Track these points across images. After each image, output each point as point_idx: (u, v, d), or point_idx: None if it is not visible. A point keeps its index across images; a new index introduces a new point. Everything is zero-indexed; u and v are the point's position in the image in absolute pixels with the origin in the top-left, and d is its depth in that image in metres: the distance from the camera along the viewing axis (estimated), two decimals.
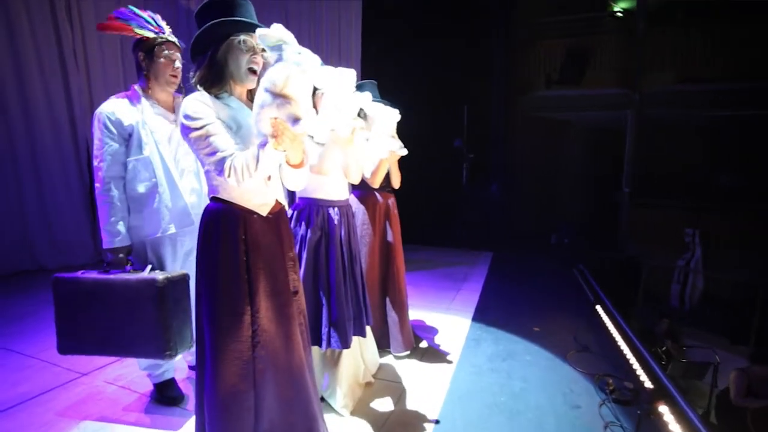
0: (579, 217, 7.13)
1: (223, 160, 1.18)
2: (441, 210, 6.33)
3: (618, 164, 6.78)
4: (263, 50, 1.24)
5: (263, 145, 1.15)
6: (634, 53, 6.34)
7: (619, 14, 6.89)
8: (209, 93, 1.26)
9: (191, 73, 1.30)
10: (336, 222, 1.89)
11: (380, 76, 6.74)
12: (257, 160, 1.15)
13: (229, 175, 1.17)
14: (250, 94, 1.37)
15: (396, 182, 2.50)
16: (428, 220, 6.10)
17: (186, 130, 1.20)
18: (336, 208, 1.92)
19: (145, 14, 1.76)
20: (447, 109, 6.29)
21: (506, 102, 6.16)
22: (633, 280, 5.66)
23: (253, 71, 1.28)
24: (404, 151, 2.13)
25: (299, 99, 1.12)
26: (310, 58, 1.12)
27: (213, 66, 1.25)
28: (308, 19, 6.09)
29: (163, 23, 1.80)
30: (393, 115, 2.01)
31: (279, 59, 1.11)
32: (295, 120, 1.11)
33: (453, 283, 4.26)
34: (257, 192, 1.30)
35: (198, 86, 1.27)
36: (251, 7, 1.31)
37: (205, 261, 1.29)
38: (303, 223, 1.87)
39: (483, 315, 3.35)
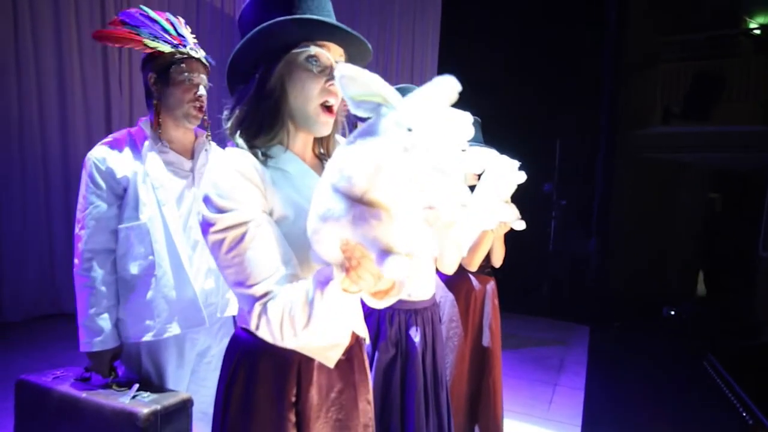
0: (700, 285, 6.07)
1: (252, 301, 0.73)
2: (523, 269, 5.56)
3: (754, 220, 5.71)
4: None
5: (324, 282, 0.70)
6: None
7: (756, 32, 5.97)
8: (252, 147, 0.81)
9: (225, 113, 0.86)
10: (418, 336, 1.41)
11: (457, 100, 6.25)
12: (309, 312, 0.70)
13: (257, 328, 0.74)
14: (319, 146, 0.93)
15: (498, 260, 1.93)
16: (508, 280, 5.36)
17: (205, 225, 0.76)
18: (419, 315, 1.39)
19: (161, 18, 1.38)
20: (534, 143, 5.62)
21: (611, 138, 5.39)
22: None
23: (327, 108, 0.83)
24: (522, 225, 1.58)
25: (395, 210, 0.65)
26: (430, 131, 0.64)
27: (261, 99, 0.81)
28: (377, 45, 5.89)
29: (185, 31, 1.41)
30: (514, 172, 1.48)
31: (368, 132, 0.65)
32: (385, 252, 0.63)
33: (546, 373, 3.58)
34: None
35: (235, 136, 0.83)
36: (327, 1, 0.86)
37: (228, 423, 0.86)
38: (370, 336, 1.37)
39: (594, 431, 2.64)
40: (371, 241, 0.64)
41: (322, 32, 0.80)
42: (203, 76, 1.39)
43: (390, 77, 6.34)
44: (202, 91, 1.37)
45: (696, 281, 6.30)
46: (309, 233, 0.71)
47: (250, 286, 0.73)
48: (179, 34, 1.38)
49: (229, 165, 0.77)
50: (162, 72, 1.33)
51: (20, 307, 3.86)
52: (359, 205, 0.63)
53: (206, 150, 1.46)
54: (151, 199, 1.32)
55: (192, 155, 1.44)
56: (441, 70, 6.28)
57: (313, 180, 0.84)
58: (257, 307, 0.73)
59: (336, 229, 0.66)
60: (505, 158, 1.53)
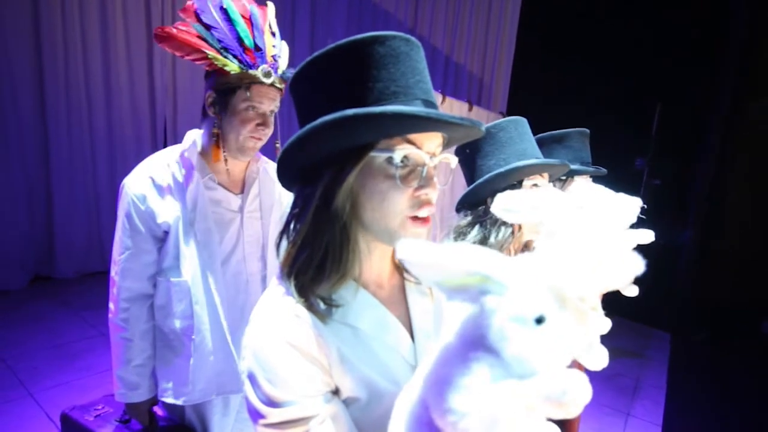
0: None
1: None
2: None
3: None
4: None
5: None
6: None
7: None
8: (310, 296, 0.62)
9: (277, 239, 0.67)
10: None
11: (539, 50, 5.45)
12: None
13: None
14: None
15: None
16: None
17: (254, 414, 0.61)
18: None
19: (242, 20, 1.14)
20: (627, 107, 4.77)
21: (733, 106, 4.42)
22: None
23: (418, 220, 0.63)
24: (634, 291, 1.16)
25: None
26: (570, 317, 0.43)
27: (323, 229, 0.62)
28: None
29: (267, 38, 1.18)
30: (633, 225, 1.04)
31: (477, 342, 0.43)
32: None
33: (618, 398, 3.18)
34: None
35: (289, 280, 0.63)
36: (419, 59, 0.61)
37: None
38: None
39: None
40: None
41: (415, 125, 0.58)
42: (275, 101, 1.19)
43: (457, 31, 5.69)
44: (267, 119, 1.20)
45: None
46: None
47: None
48: (254, 45, 1.15)
49: (278, 335, 0.60)
50: (224, 94, 1.14)
51: (72, 264, 4.07)
52: None
53: (262, 170, 1.35)
54: (192, 253, 1.22)
55: (242, 188, 1.31)
56: (522, 24, 5.47)
57: (396, 336, 0.67)
58: None
59: None
60: (622, 199, 1.08)
